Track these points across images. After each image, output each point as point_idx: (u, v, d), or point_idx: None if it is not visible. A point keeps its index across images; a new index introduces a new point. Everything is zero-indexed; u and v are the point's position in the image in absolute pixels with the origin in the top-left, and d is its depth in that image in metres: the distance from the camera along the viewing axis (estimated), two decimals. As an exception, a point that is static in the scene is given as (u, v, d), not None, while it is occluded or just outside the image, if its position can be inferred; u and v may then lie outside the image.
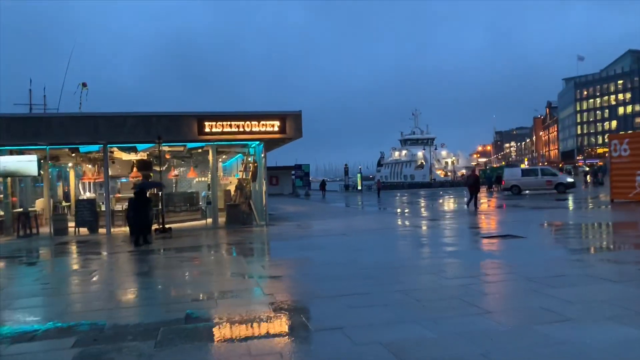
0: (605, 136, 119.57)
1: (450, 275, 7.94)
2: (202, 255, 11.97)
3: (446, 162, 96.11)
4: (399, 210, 26.26)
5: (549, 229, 14.44)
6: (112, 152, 20.10)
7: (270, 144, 20.81)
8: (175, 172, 22.05)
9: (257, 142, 19.48)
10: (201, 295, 7.28)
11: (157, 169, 22.02)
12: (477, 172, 26.26)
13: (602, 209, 20.66)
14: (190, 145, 19.42)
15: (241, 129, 17.96)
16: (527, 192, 36.01)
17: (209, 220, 19.80)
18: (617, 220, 16.18)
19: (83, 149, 18.83)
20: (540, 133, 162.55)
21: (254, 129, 18.05)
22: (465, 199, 25.59)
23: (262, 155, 19.50)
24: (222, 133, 17.88)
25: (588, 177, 48.50)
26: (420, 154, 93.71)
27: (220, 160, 24.74)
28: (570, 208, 22.30)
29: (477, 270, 8.30)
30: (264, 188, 19.74)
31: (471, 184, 23.12)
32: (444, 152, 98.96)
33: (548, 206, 23.31)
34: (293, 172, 55.01)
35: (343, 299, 6.57)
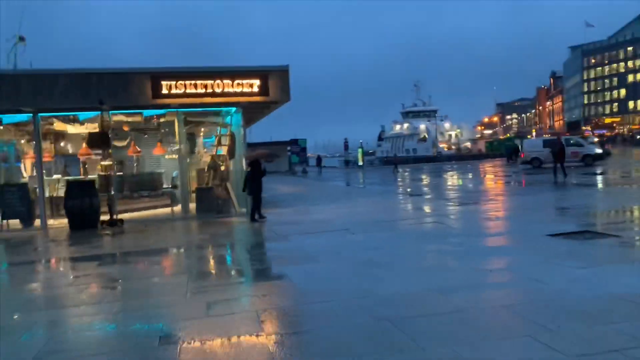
0: (614, 105, 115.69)
1: (570, 348, 3.85)
2: (129, 272, 7.87)
3: (450, 135, 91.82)
4: (411, 190, 22.10)
5: (634, 220, 10.36)
6: (51, 124, 15.93)
7: (251, 111, 16.61)
8: (137, 147, 17.78)
9: (234, 109, 15.28)
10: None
11: (118, 144, 17.93)
12: (562, 141, 25.13)
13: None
14: (147, 113, 15.19)
15: (209, 90, 13.74)
16: (549, 165, 31.95)
17: (177, 208, 15.74)
18: None
19: (7, 118, 14.59)
20: (545, 104, 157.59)
21: (226, 90, 13.82)
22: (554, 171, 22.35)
23: (241, 124, 15.33)
24: (185, 95, 13.66)
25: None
26: (422, 126, 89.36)
27: (200, 134, 20.50)
28: (624, 185, 18.16)
29: (611, 329, 4.21)
30: (245, 166, 15.57)
31: (557, 152, 22.41)
32: (447, 125, 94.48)
33: (592, 182, 19.23)
34: (289, 147, 50.72)
35: None
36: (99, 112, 13.83)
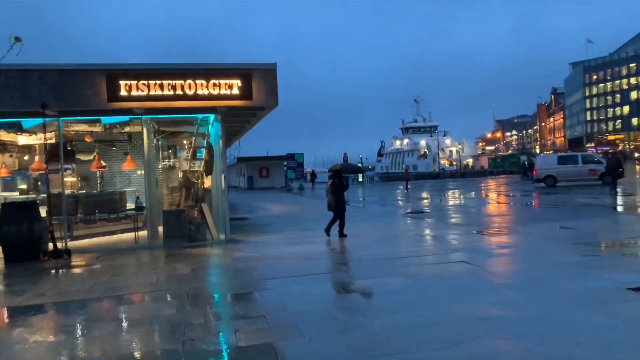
0: (617, 122, 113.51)
1: None
2: (13, 349, 5.29)
3: (451, 151, 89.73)
4: (419, 211, 19.47)
5: None
6: (-4, 133, 13.42)
7: (233, 119, 14.14)
8: (102, 162, 15.19)
9: (212, 116, 12.78)
10: None
11: (83, 158, 15.42)
12: (618, 156, 24.91)
13: None
14: (106, 120, 12.64)
15: (179, 92, 11.21)
16: (563, 183, 29.65)
17: (142, 233, 13.13)
18: None
19: None
20: (546, 120, 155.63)
21: (200, 92, 11.30)
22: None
23: (220, 135, 12.79)
24: (149, 98, 11.12)
25: None
26: (423, 142, 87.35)
27: (184, 147, 17.87)
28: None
29: None
30: (224, 185, 13.03)
31: (614, 166, 22.18)
32: (447, 141, 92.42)
33: (631, 205, 16.70)
34: (285, 162, 48.18)
35: None
36: (43, 119, 11.29)
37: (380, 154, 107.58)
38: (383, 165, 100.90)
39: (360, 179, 52.42)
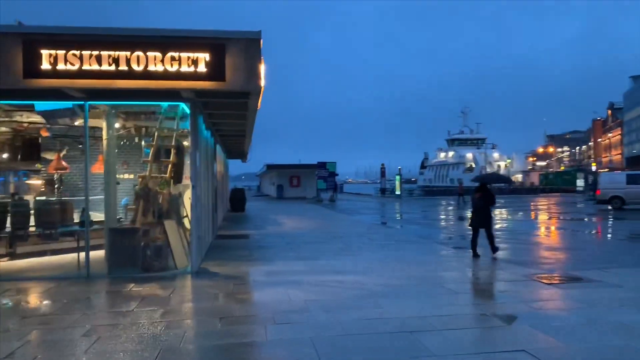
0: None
1: None
2: None
3: (499, 165, 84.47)
4: (466, 238, 15.74)
5: None
6: None
7: (216, 111, 10.95)
8: (63, 162, 12.28)
9: (182, 104, 9.63)
10: None
11: (49, 157, 12.68)
12: None
13: None
14: (41, 106, 9.62)
15: (123, 67, 8.07)
16: (632, 206, 25.38)
17: (95, 255, 9.95)
18: None
19: None
20: (602, 136, 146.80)
21: (152, 68, 8.13)
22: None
23: (191, 131, 9.60)
24: (81, 74, 8.03)
25: None
26: (469, 155, 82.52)
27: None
28: None
29: None
30: (193, 198, 9.79)
31: None
32: (496, 154, 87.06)
33: None
34: (317, 172, 44.75)
35: None
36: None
37: (423, 166, 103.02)
38: (426, 177, 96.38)
39: (397, 192, 48.46)
